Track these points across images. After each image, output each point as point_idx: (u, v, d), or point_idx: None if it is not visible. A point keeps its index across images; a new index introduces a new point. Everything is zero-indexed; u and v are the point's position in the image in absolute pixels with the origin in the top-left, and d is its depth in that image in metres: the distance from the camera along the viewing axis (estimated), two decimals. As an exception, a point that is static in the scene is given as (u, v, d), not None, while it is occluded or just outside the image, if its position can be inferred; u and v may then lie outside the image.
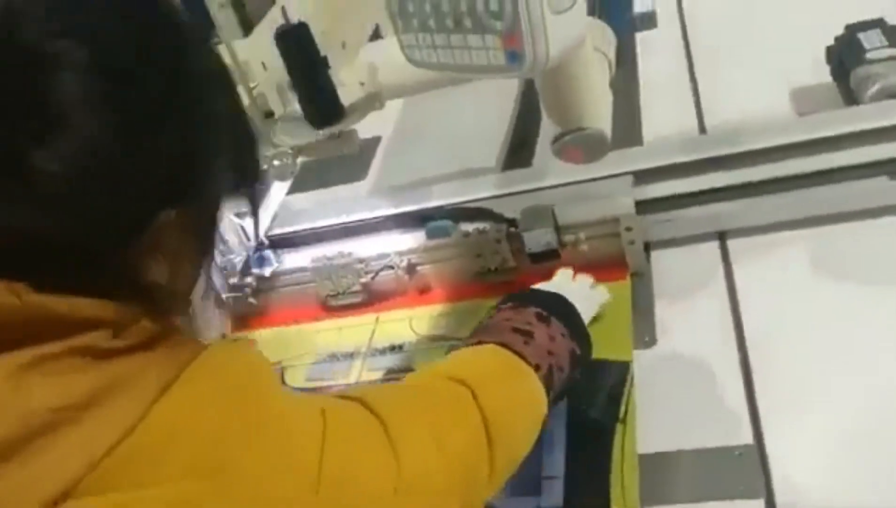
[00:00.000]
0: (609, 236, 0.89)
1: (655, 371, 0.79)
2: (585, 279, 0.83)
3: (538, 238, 0.88)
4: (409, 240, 0.95)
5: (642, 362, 0.80)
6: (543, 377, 0.64)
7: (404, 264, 0.95)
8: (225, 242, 0.89)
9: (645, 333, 0.83)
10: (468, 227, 0.92)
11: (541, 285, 0.79)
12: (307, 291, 0.98)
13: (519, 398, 0.62)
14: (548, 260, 0.89)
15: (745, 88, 1.11)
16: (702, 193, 0.89)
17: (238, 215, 0.90)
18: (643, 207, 0.89)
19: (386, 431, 0.48)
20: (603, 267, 0.89)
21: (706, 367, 0.77)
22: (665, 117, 1.12)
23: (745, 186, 0.88)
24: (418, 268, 0.95)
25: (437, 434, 0.51)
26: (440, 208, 0.96)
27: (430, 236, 0.93)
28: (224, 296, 0.88)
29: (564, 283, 0.81)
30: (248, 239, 0.93)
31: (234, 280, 0.89)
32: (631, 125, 1.11)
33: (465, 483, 0.53)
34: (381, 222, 0.98)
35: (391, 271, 0.95)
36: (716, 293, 0.85)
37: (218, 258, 0.88)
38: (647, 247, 0.91)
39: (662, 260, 0.91)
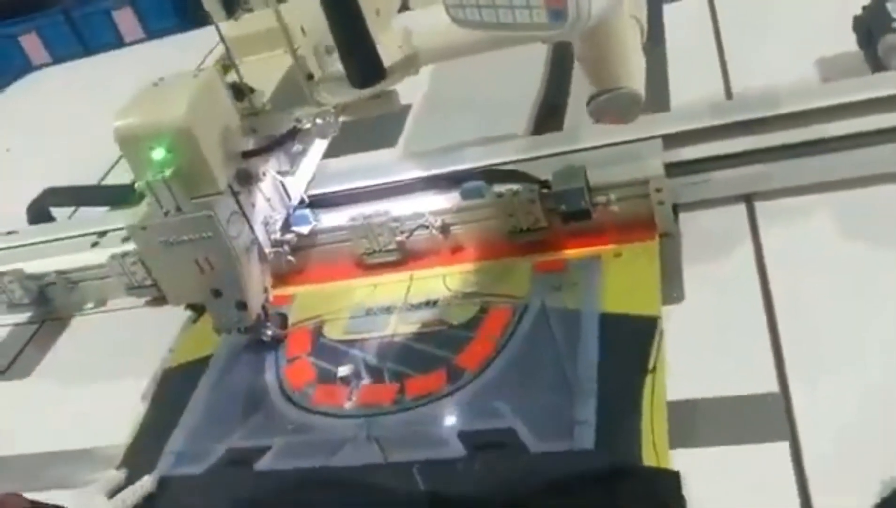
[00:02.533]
0: (639, 198, 0.92)
1: (684, 325, 0.82)
2: None
3: (570, 198, 0.91)
4: (443, 201, 0.98)
5: (671, 316, 0.83)
6: None
7: (439, 223, 0.98)
8: (267, 199, 0.92)
9: (673, 289, 0.86)
10: (501, 188, 0.94)
11: None
12: (344, 249, 1.02)
13: None
14: (579, 220, 0.92)
15: (772, 58, 1.13)
16: (730, 156, 0.92)
17: (280, 172, 0.93)
18: (672, 169, 0.92)
19: None
20: (632, 228, 0.92)
21: (733, 321, 0.80)
22: (692, 85, 1.14)
23: (772, 150, 0.90)
24: (452, 228, 0.98)
25: None
26: (474, 169, 0.98)
27: (464, 196, 0.96)
28: (266, 251, 0.91)
29: None
30: (289, 198, 0.96)
31: (275, 236, 0.92)
32: (659, 92, 1.12)
33: None
34: (416, 183, 1.01)
35: (426, 231, 0.98)
36: (743, 253, 0.87)
37: (260, 215, 0.91)
38: (676, 209, 0.94)
39: (691, 222, 0.93)
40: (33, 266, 1.14)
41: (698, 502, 0.66)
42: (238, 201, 0.86)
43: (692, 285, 0.86)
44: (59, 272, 1.13)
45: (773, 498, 0.65)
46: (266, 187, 0.91)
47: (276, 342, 0.96)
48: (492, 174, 0.96)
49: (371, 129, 1.22)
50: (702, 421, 0.72)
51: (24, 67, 2.69)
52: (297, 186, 0.97)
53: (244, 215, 0.87)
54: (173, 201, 0.81)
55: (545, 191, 0.92)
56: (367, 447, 0.80)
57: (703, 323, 0.81)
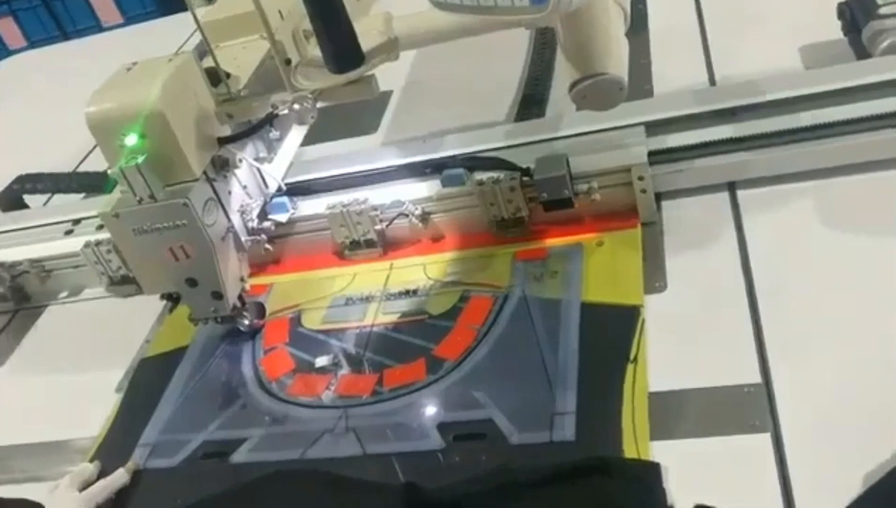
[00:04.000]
0: (621, 186, 0.91)
1: (666, 314, 0.81)
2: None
3: (552, 186, 0.89)
4: (423, 188, 0.96)
5: (654, 305, 0.82)
6: None
7: (419, 211, 0.96)
8: (244, 186, 0.90)
9: (656, 279, 0.85)
10: (482, 175, 0.93)
11: None
12: (322, 237, 1.00)
13: None
14: (561, 208, 0.91)
15: (756, 45, 1.12)
16: (712, 143, 0.91)
17: (257, 159, 0.91)
18: (655, 157, 0.91)
19: None
20: (614, 216, 0.91)
21: (716, 311, 0.80)
22: (675, 72, 1.13)
23: (755, 138, 0.90)
24: (432, 216, 0.97)
25: None
26: (455, 157, 0.97)
27: (445, 184, 0.95)
28: (243, 239, 0.89)
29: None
30: (266, 185, 0.95)
31: (252, 224, 0.90)
32: (642, 79, 1.12)
33: None
34: (396, 170, 0.99)
35: (406, 219, 0.97)
36: (725, 242, 0.86)
37: (237, 203, 0.89)
38: (659, 197, 0.93)
39: (673, 210, 0.92)
40: (5, 255, 1.11)
41: (679, 494, 0.65)
42: (214, 189, 0.84)
43: (674, 274, 0.85)
44: (33, 261, 1.11)
45: (755, 490, 0.64)
46: (242, 175, 0.90)
47: (253, 332, 0.94)
48: (473, 162, 0.95)
49: (352, 115, 1.20)
50: (684, 412, 0.71)
51: (0, 51, 2.66)
52: (275, 173, 0.95)
53: (220, 202, 0.85)
54: (147, 188, 0.79)
55: (526, 179, 0.91)
56: (344, 438, 0.79)
57: (686, 313, 0.81)
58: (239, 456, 0.81)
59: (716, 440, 0.69)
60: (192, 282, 0.85)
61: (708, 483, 0.66)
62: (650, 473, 0.67)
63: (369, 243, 0.99)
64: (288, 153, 0.99)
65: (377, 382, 0.84)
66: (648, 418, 0.71)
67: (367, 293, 0.95)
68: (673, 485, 0.66)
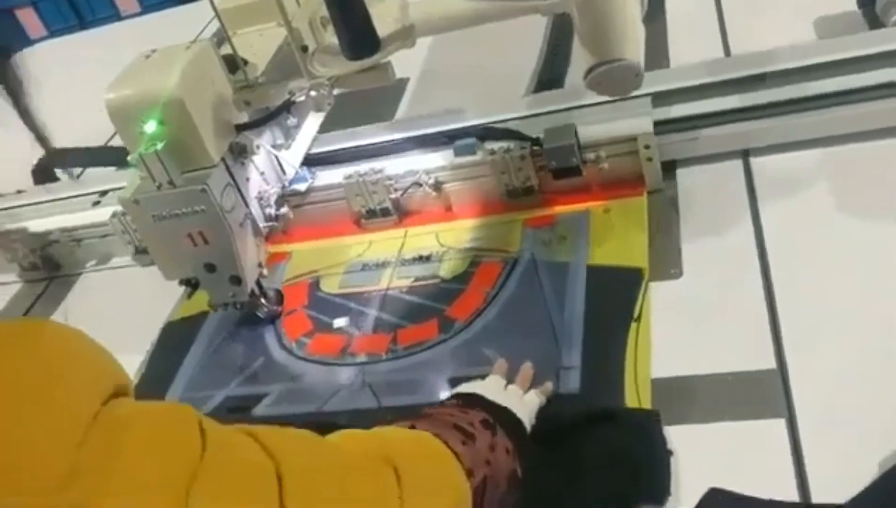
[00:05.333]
0: (629, 155, 0.93)
1: (681, 300, 0.81)
2: (516, 389, 0.73)
3: (561, 155, 0.92)
4: (437, 158, 1.00)
5: (669, 291, 0.82)
6: (475, 488, 0.57)
7: (432, 181, 0.99)
8: (262, 173, 0.91)
9: (671, 265, 0.85)
10: (493, 145, 0.96)
11: (470, 385, 0.73)
12: (339, 206, 1.04)
13: (445, 499, 0.56)
14: (569, 176, 0.94)
15: (772, 20, 1.13)
16: (726, 112, 0.93)
17: (274, 146, 0.94)
18: (669, 126, 0.93)
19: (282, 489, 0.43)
20: (622, 184, 0.94)
21: (729, 292, 0.80)
22: (691, 49, 1.14)
23: (766, 107, 0.91)
24: (445, 185, 1.00)
25: None
26: (467, 128, 1.00)
27: (457, 153, 0.98)
28: (261, 225, 0.90)
29: (499, 390, 0.72)
30: (283, 172, 0.97)
31: (269, 211, 0.91)
32: (658, 56, 1.13)
33: None
34: (410, 141, 1.02)
35: (420, 188, 1.00)
36: (739, 210, 0.87)
37: (254, 190, 0.89)
38: (674, 165, 0.95)
39: (688, 177, 0.94)
40: (37, 225, 1.16)
41: (694, 478, 0.65)
42: (231, 175, 0.85)
43: (689, 255, 0.86)
44: (63, 230, 1.16)
45: (769, 475, 0.65)
46: (260, 161, 0.91)
47: (272, 319, 0.96)
48: (484, 132, 0.98)
49: (368, 102, 1.21)
50: (700, 398, 0.72)
51: (22, 40, 2.70)
52: (292, 160, 0.97)
53: (238, 188, 0.86)
54: (165, 175, 0.79)
55: (536, 148, 0.94)
56: (360, 392, 0.83)
57: (701, 298, 0.81)
58: (260, 410, 0.85)
59: (730, 426, 0.69)
60: (210, 267, 0.86)
61: (722, 469, 0.66)
62: (651, 420, 0.70)
63: (385, 212, 1.02)
64: (305, 140, 1.01)
65: (392, 341, 0.87)
66: (650, 372, 0.74)
67: (383, 259, 0.99)
68: (687, 470, 0.66)
